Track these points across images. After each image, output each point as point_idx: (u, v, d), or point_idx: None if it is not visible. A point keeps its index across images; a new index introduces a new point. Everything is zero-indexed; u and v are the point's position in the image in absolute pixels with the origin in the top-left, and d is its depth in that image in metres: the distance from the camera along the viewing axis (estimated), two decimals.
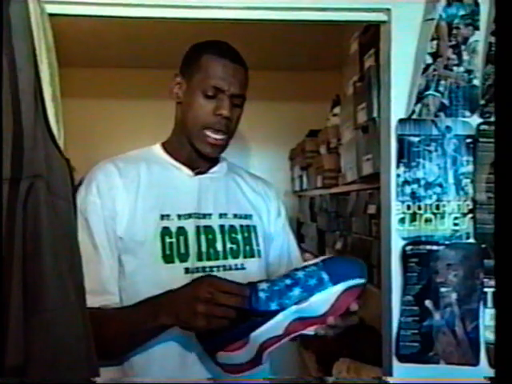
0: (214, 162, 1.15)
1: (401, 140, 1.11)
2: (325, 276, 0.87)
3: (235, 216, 1.11)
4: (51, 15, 0.96)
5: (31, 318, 0.76)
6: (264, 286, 0.87)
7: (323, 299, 0.86)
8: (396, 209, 1.11)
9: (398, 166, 1.11)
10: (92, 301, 0.94)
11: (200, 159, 1.11)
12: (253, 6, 1.08)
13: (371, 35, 1.42)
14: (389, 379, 1.02)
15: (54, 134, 0.89)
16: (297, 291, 0.86)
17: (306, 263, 0.91)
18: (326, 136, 2.43)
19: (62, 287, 0.81)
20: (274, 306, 0.85)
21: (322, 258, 0.92)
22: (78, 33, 2.64)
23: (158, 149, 1.13)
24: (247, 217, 1.12)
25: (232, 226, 1.09)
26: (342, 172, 1.90)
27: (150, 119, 3.36)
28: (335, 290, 0.87)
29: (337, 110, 2.28)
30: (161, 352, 0.99)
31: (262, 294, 0.86)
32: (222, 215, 1.09)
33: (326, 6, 1.12)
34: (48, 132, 0.88)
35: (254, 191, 1.18)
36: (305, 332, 0.88)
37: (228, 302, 0.84)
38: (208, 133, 1.05)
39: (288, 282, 0.87)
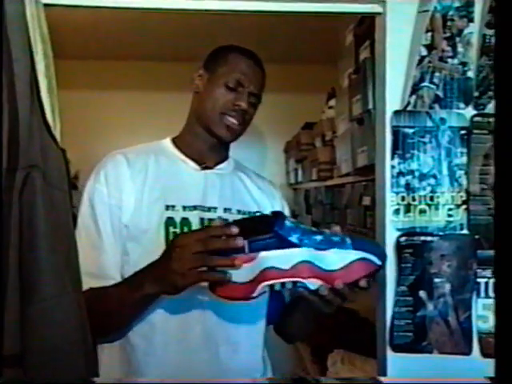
0: (222, 158, 1.16)
1: (395, 132, 1.12)
2: (348, 240, 0.88)
3: (239, 212, 1.12)
4: (46, 5, 0.96)
5: (28, 308, 0.76)
6: (291, 220, 0.88)
7: (340, 257, 0.86)
8: (390, 200, 1.12)
9: (392, 158, 1.12)
10: (91, 283, 0.98)
11: (209, 153, 1.14)
12: None
13: (366, 27, 1.42)
14: (382, 379, 1.02)
15: (50, 124, 0.89)
16: (319, 238, 0.87)
17: None
18: (321, 128, 2.43)
19: (59, 277, 0.81)
20: (294, 239, 0.85)
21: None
22: (78, 25, 2.62)
23: (167, 143, 1.16)
24: (251, 214, 1.14)
25: None
26: (337, 164, 1.90)
27: (150, 112, 3.36)
28: (353, 254, 0.87)
29: (332, 102, 2.28)
30: (161, 319, 1.01)
31: (287, 222, 0.86)
32: (226, 209, 1.10)
33: None
34: (44, 122, 0.88)
35: (259, 189, 1.20)
36: (307, 282, 0.87)
37: (198, 250, 0.84)
38: (226, 117, 1.09)
39: (313, 229, 0.88)
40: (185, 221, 1.05)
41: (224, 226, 0.86)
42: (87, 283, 0.96)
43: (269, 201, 1.20)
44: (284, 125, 3.40)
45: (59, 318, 0.80)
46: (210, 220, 1.06)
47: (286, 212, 1.23)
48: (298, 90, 3.37)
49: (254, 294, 0.87)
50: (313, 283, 0.88)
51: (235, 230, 0.83)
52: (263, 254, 0.85)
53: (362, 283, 0.89)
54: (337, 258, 0.87)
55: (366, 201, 1.48)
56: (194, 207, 1.07)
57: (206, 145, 1.14)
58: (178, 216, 1.05)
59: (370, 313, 2.16)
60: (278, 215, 0.88)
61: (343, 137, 1.74)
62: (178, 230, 1.03)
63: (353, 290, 0.90)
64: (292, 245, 0.85)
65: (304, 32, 2.50)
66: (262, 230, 0.86)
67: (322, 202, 2.46)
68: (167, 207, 1.05)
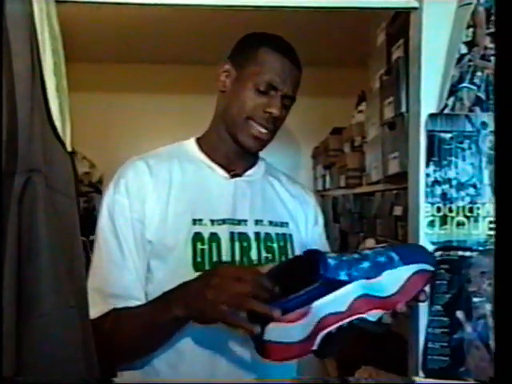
0: (251, 162, 1.08)
1: (431, 137, 1.04)
2: (395, 256, 0.81)
3: (271, 223, 1.04)
4: (58, 2, 0.91)
5: (25, 324, 0.70)
6: (332, 256, 0.80)
7: (393, 278, 0.80)
8: (425, 211, 1.03)
9: (427, 165, 1.04)
10: (114, 305, 0.93)
11: (237, 159, 1.05)
12: None
13: (400, 25, 1.34)
14: (416, 379, 0.94)
15: (57, 126, 0.83)
16: (366, 265, 0.80)
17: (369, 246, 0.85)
18: (350, 133, 2.35)
19: (60, 291, 0.75)
20: (343, 276, 0.78)
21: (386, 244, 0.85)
22: (100, 28, 2.62)
23: (192, 145, 1.07)
24: (283, 224, 1.06)
25: (268, 234, 1.02)
26: (367, 171, 1.82)
27: (172, 115, 3.33)
28: (406, 270, 0.81)
29: (362, 106, 2.20)
30: (190, 348, 0.94)
31: (331, 261, 0.79)
32: (257, 222, 1.02)
33: None
34: (50, 124, 0.82)
35: (292, 196, 1.11)
36: (366, 316, 0.81)
37: (239, 290, 0.77)
38: (253, 124, 0.99)
39: (356, 256, 0.81)
40: (214, 236, 0.97)
41: (268, 280, 0.78)
42: (110, 304, 0.92)
43: (302, 209, 1.11)
44: (312, 129, 3.33)
45: (59, 335, 0.74)
46: (241, 234, 0.99)
47: (320, 220, 1.14)
48: (327, 93, 3.30)
49: (314, 347, 0.80)
50: (373, 315, 0.81)
51: (277, 290, 0.77)
52: (316, 303, 0.78)
53: (422, 297, 0.84)
54: (391, 281, 0.80)
55: (398, 211, 1.40)
56: (223, 221, 0.99)
57: (233, 150, 1.05)
58: (206, 231, 0.97)
59: (402, 328, 2.06)
60: (317, 254, 0.80)
61: (373, 142, 1.65)
62: (206, 247, 0.95)
63: (412, 306, 0.85)
64: (342, 283, 0.78)
65: (333, 33, 2.43)
66: (304, 273, 0.78)
67: (350, 210, 2.37)
68: (194, 221, 0.97)
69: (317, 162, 3.38)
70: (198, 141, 1.08)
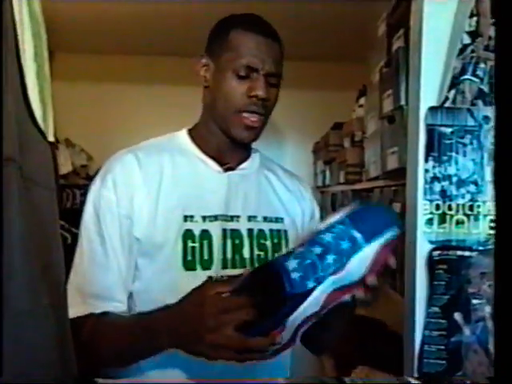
0: (245, 155, 1.03)
1: (431, 131, 1.00)
2: (356, 235, 0.77)
3: (265, 219, 1.00)
4: None
5: None
6: (294, 263, 0.76)
7: (360, 261, 0.76)
8: (423, 208, 1.00)
9: (426, 161, 1.00)
10: (95, 306, 0.89)
11: (230, 151, 1.00)
12: None
13: (400, 14, 1.29)
14: (412, 381, 0.91)
15: (37, 115, 0.79)
16: (330, 259, 0.76)
17: (329, 221, 0.80)
18: (350, 128, 2.31)
19: (32, 288, 0.70)
20: (310, 284, 0.75)
21: (345, 211, 0.80)
22: (93, 19, 2.59)
23: (184, 137, 1.02)
24: (278, 220, 1.02)
25: (261, 231, 0.98)
26: (366, 167, 1.77)
27: (170, 107, 3.29)
28: (371, 248, 0.77)
29: (363, 100, 2.16)
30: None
31: (295, 275, 0.75)
32: (251, 218, 0.98)
33: None
34: (28, 112, 0.78)
35: (288, 190, 1.07)
36: (341, 300, 0.79)
37: (236, 321, 0.74)
38: (243, 115, 0.94)
39: (318, 250, 0.77)
40: (205, 233, 0.93)
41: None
42: (90, 305, 0.88)
43: (299, 204, 1.06)
44: (313, 124, 3.29)
45: (32, 335, 0.69)
46: (233, 231, 0.95)
47: (316, 214, 1.10)
48: (328, 88, 3.26)
49: (296, 343, 0.81)
50: (346, 297, 0.79)
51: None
52: (291, 317, 0.76)
53: (392, 263, 0.80)
54: (358, 266, 0.77)
55: (396, 207, 1.35)
56: (216, 217, 0.94)
57: (225, 143, 1.00)
58: (197, 228, 0.92)
59: (398, 326, 2.03)
60: (281, 270, 0.76)
61: (372, 137, 1.61)
62: (197, 245, 0.91)
63: (386, 274, 0.81)
64: (312, 290, 0.75)
65: (333, 27, 2.39)
66: (271, 285, 0.76)
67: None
68: (185, 218, 0.92)
69: (317, 158, 3.34)
70: (190, 132, 1.03)
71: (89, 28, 2.75)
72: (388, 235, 0.78)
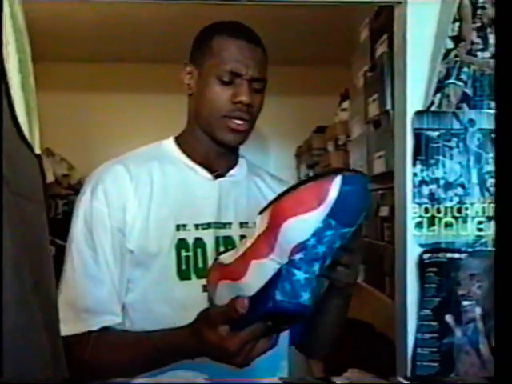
0: (233, 161, 1.02)
1: (418, 135, 1.01)
2: (344, 230, 0.70)
3: (255, 225, 0.99)
4: None
5: None
6: (306, 296, 0.70)
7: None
8: (412, 212, 1.00)
9: (414, 164, 1.01)
10: (91, 322, 0.87)
11: (218, 158, 0.99)
12: None
13: (383, 20, 1.30)
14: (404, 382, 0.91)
15: (22, 127, 0.77)
16: (328, 261, 0.72)
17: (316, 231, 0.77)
18: (334, 132, 2.31)
19: (24, 305, 0.69)
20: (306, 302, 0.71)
21: (324, 207, 0.69)
22: (74, 27, 2.55)
23: (171, 145, 1.01)
24: None
25: None
26: None
27: (151, 114, 3.27)
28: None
29: (345, 104, 2.17)
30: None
31: (304, 299, 0.70)
32: (242, 224, 0.97)
33: None
34: (14, 125, 0.76)
35: (275, 194, 1.06)
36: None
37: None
38: (228, 120, 0.93)
39: (317, 266, 0.71)
40: (199, 242, 0.92)
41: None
42: (85, 321, 0.86)
43: None
44: (295, 128, 3.29)
45: (23, 354, 0.68)
46: (226, 238, 0.94)
47: None
48: (310, 92, 3.26)
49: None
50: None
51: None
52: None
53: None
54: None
55: (384, 211, 1.36)
56: (209, 224, 0.93)
57: (213, 149, 0.99)
58: (190, 237, 0.92)
59: (387, 328, 2.04)
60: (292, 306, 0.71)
61: (357, 141, 1.61)
62: (191, 254, 0.91)
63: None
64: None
65: (315, 31, 2.39)
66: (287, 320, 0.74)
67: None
68: (178, 227, 0.91)
69: (300, 162, 3.34)
70: (177, 140, 1.02)
71: (67, 36, 2.72)
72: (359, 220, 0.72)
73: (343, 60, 2.04)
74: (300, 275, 0.69)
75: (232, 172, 1.01)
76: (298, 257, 0.69)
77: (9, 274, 0.66)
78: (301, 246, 0.69)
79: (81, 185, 2.89)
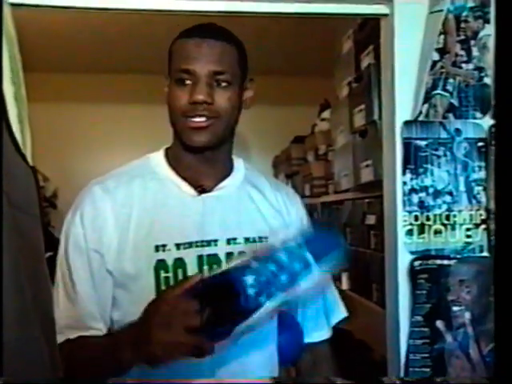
0: (224, 173, 0.98)
1: (407, 144, 1.03)
2: (310, 260, 0.81)
3: (247, 240, 0.95)
4: (14, 5, 0.85)
5: None
6: (250, 279, 0.79)
7: (309, 282, 0.81)
8: (403, 220, 1.02)
9: (404, 173, 1.03)
10: (69, 335, 0.87)
11: (204, 170, 0.96)
12: None
13: (368, 31, 1.33)
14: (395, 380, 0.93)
15: (17, 138, 0.76)
16: (284, 278, 0.80)
17: (286, 239, 0.84)
18: (313, 142, 2.34)
19: (25, 319, 0.68)
20: (263, 299, 0.79)
21: (300, 232, 0.85)
22: (57, 38, 2.53)
23: (159, 158, 0.98)
24: (262, 239, 0.97)
25: (241, 253, 0.93)
26: (335, 179, 1.80)
27: (127, 125, 3.24)
28: (320, 272, 0.82)
29: (325, 114, 2.19)
30: None
31: (251, 291, 0.78)
32: (230, 240, 0.94)
33: None
34: (10, 136, 0.75)
35: (272, 208, 1.01)
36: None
37: (183, 323, 0.74)
38: (188, 119, 0.90)
39: (273, 268, 0.80)
40: (179, 262, 0.90)
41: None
42: (64, 335, 0.86)
43: (283, 220, 1.01)
44: (272, 138, 3.30)
45: (23, 367, 0.67)
46: (210, 256, 0.92)
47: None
48: (286, 102, 3.29)
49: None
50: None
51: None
52: (238, 327, 0.79)
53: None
54: (307, 285, 0.81)
55: (371, 219, 1.38)
56: (190, 244, 0.91)
57: (196, 160, 0.95)
58: (170, 257, 0.90)
59: (366, 334, 2.05)
60: (237, 284, 0.78)
61: (342, 150, 1.63)
62: (170, 275, 0.89)
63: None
64: (262, 304, 0.79)
65: (294, 42, 2.41)
66: (226, 297, 0.79)
67: (317, 220, 2.34)
68: (157, 248, 0.90)
69: (278, 171, 3.35)
70: (167, 151, 1.00)
71: (49, 47, 2.68)
72: (336, 261, 0.82)
73: (321, 71, 2.06)
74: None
75: (222, 184, 0.96)
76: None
77: (9, 287, 0.65)
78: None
79: (56, 197, 2.82)
